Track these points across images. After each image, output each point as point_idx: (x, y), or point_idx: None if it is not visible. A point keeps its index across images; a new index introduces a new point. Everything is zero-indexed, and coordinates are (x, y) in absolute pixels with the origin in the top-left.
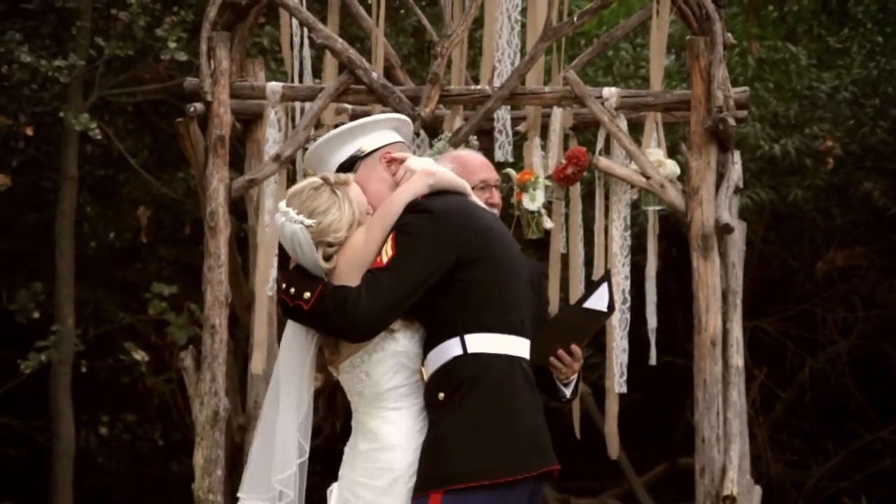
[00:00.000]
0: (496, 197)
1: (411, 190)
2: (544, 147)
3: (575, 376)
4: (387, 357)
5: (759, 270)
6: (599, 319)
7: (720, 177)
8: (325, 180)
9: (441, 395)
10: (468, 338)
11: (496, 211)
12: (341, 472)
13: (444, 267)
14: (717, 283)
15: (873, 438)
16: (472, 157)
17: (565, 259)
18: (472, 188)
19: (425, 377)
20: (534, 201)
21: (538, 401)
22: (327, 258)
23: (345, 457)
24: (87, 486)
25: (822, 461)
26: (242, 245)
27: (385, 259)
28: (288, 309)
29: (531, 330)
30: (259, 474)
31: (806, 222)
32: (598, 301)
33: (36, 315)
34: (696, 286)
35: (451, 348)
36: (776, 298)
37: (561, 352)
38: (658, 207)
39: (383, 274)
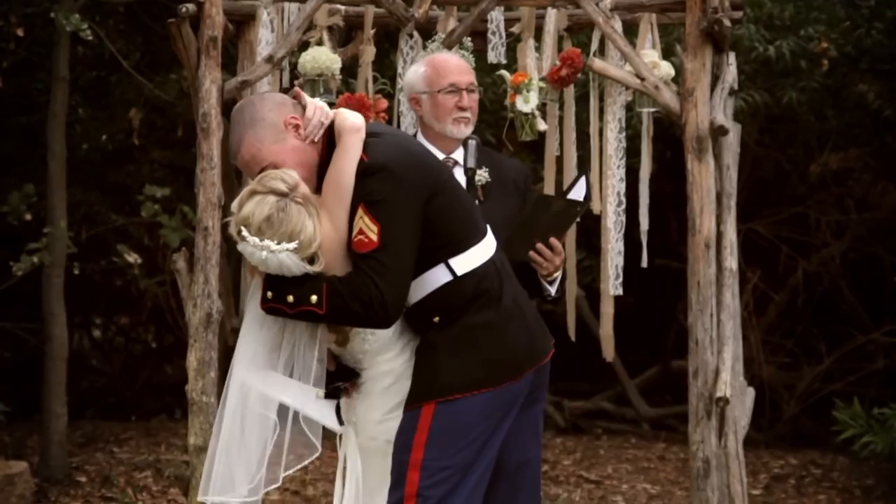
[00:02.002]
0: (465, 100)
1: (352, 156)
2: (538, 49)
3: (558, 273)
4: None
5: (752, 173)
6: (576, 210)
7: (715, 78)
8: (280, 193)
9: (436, 318)
10: (453, 262)
11: (469, 115)
12: (356, 418)
13: (421, 212)
14: (712, 186)
15: (866, 340)
16: (444, 60)
17: (559, 161)
18: (439, 91)
19: (408, 304)
20: (527, 103)
21: (523, 291)
22: (313, 261)
23: (352, 401)
24: (80, 389)
25: (814, 363)
26: None
27: (374, 237)
28: (286, 315)
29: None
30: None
31: (800, 124)
32: (575, 194)
33: (28, 217)
34: (691, 188)
35: (438, 276)
36: (770, 201)
37: (540, 245)
38: (652, 109)
39: (383, 254)
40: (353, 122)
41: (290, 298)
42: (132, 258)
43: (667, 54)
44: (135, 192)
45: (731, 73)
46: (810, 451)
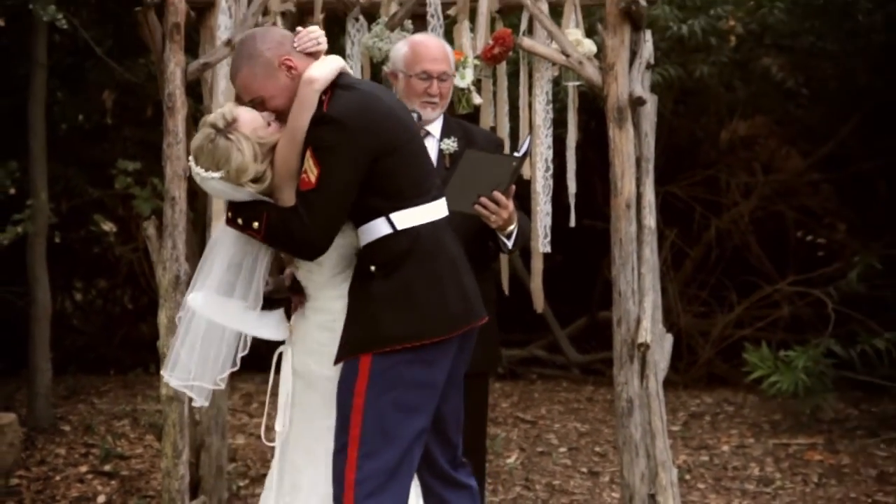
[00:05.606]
0: (434, 87)
1: (305, 106)
2: (473, 29)
3: (512, 227)
4: (333, 250)
5: (669, 140)
6: (511, 164)
7: (633, 54)
8: (215, 127)
9: (372, 267)
10: (394, 216)
11: (437, 100)
12: (294, 339)
13: (364, 167)
14: (632, 151)
15: (772, 290)
16: (424, 45)
17: (494, 132)
18: (412, 76)
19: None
20: (464, 79)
21: (463, 257)
22: (257, 181)
23: (293, 323)
24: (63, 346)
25: (726, 311)
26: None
27: (313, 178)
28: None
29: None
30: (195, 363)
31: (711, 96)
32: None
33: (12, 191)
34: (613, 154)
35: (379, 227)
36: (685, 165)
37: (483, 199)
38: (577, 83)
39: (315, 195)
40: (309, 74)
41: (240, 220)
42: (108, 227)
43: (589, 33)
44: (109, 167)
45: (647, 49)
46: (723, 390)
